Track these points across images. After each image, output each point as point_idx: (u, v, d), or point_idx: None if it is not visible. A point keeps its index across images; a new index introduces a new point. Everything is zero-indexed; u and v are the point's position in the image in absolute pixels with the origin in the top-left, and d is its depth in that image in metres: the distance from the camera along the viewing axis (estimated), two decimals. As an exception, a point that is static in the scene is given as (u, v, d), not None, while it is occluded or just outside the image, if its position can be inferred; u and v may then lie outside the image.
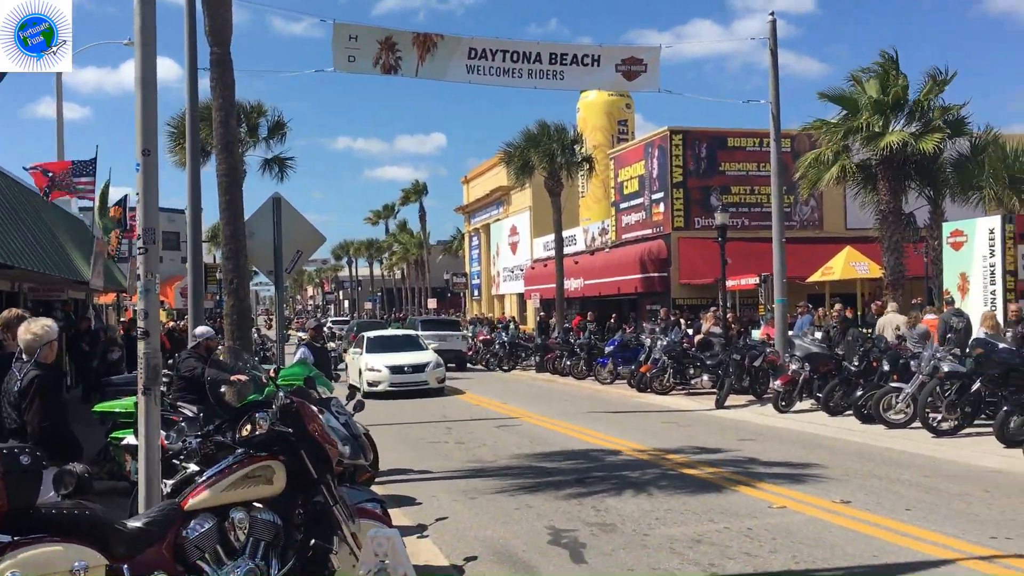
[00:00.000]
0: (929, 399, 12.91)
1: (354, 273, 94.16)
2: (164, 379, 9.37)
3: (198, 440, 5.79)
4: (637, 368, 21.00)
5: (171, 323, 25.09)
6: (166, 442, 6.66)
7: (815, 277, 26.99)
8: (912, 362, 13.94)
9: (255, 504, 5.06)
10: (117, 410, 9.83)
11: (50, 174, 19.04)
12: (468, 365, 31.15)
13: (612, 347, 23.58)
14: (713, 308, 23.72)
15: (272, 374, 9.70)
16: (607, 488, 10.09)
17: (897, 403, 13.65)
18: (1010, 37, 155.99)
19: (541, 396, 21.44)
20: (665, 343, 20.46)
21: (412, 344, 23.84)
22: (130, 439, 8.69)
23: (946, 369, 12.89)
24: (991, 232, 17.12)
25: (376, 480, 9.66)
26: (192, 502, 4.92)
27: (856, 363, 15.39)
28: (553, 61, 16.35)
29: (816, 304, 24.06)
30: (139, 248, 6.10)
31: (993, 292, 16.90)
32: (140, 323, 6.03)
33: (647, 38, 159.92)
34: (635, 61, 17.11)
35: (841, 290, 27.13)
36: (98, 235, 20.41)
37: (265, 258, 13.00)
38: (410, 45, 15.43)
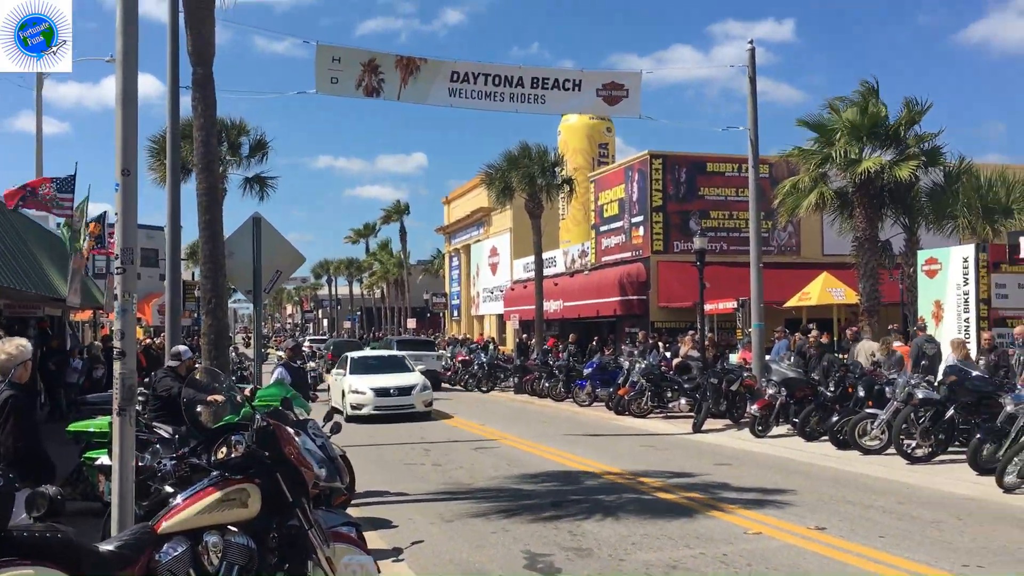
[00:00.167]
0: (904, 425, 13.02)
1: (334, 292, 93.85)
2: (139, 398, 9.30)
3: (173, 462, 5.75)
4: (615, 391, 21.04)
5: (148, 340, 24.87)
6: (140, 464, 6.61)
7: (792, 302, 27.20)
8: (887, 388, 14.07)
9: (229, 527, 5.03)
10: (91, 429, 9.75)
11: (24, 188, 18.93)
12: (446, 386, 31.04)
13: (591, 369, 23.61)
14: (691, 332, 23.85)
15: (249, 393, 9.65)
16: (584, 512, 10.09)
17: (872, 429, 13.75)
18: (984, 68, 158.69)
19: (519, 418, 21.41)
20: (643, 366, 20.54)
21: (398, 365, 22.98)
22: (104, 459, 8.62)
23: (920, 396, 13.01)
24: (965, 261, 17.35)
25: (352, 502, 9.60)
26: (166, 525, 4.88)
27: (832, 389, 15.51)
28: (535, 85, 16.46)
29: (793, 329, 24.22)
30: (117, 268, 6.09)
31: (967, 320, 17.11)
32: (116, 343, 6.01)
33: (628, 62, 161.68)
34: (616, 86, 17.26)
35: (818, 315, 27.35)
36: (77, 247, 20.23)
37: (244, 278, 12.95)
38: (393, 68, 15.49)
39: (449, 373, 32.52)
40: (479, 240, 52.28)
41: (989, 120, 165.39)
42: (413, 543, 8.75)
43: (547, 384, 25.82)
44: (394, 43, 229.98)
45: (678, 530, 9.12)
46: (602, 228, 36.27)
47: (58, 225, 22.76)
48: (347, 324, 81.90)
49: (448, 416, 21.66)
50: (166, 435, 8.57)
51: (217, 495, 5.01)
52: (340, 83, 15.33)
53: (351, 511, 8.44)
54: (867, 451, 13.69)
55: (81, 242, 20.45)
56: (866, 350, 17.05)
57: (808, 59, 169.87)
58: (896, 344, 16.86)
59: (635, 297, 32.35)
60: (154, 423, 9.11)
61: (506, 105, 16.35)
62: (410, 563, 8.01)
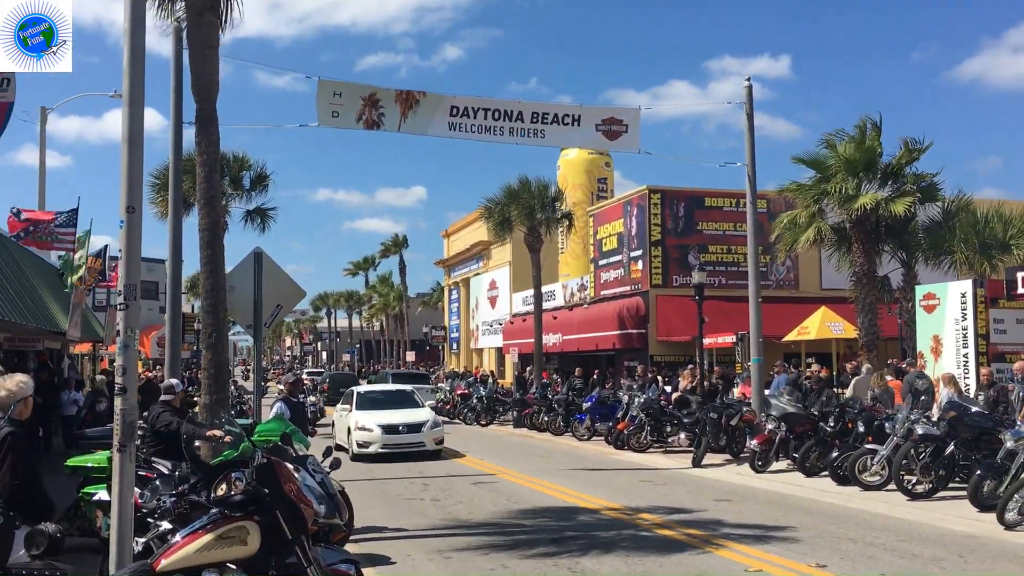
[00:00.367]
0: (904, 461, 13.00)
1: (333, 324, 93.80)
2: (138, 432, 9.30)
3: (172, 499, 5.76)
4: (614, 425, 20.99)
5: (148, 373, 24.78)
6: (139, 500, 6.62)
7: (791, 336, 27.22)
8: (887, 424, 14.05)
9: (229, 565, 5.03)
10: (90, 464, 9.72)
11: (27, 221, 19.02)
12: (443, 419, 30.84)
13: (590, 403, 23.56)
14: (691, 366, 23.82)
15: (250, 426, 9.65)
16: (583, 548, 10.04)
17: (872, 465, 13.72)
18: (979, 104, 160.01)
19: (518, 452, 21.34)
20: (642, 400, 20.50)
21: (407, 400, 21.86)
22: (102, 495, 8.60)
23: (920, 432, 13.00)
24: (963, 296, 17.40)
25: (351, 538, 9.57)
26: (165, 563, 4.89)
27: (832, 424, 15.50)
28: (535, 120, 16.58)
29: (793, 365, 24.22)
30: (120, 304, 6.13)
31: (966, 355, 17.12)
32: (118, 379, 6.04)
33: (625, 97, 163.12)
34: (616, 121, 17.39)
35: (816, 349, 27.37)
36: (74, 278, 20.25)
37: (245, 312, 12.99)
38: (393, 102, 15.63)
39: (448, 407, 32.45)
40: (478, 273, 52.39)
41: (984, 155, 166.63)
42: (412, 580, 8.70)
43: (546, 418, 25.76)
44: (394, 78, 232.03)
45: (678, 567, 9.08)
46: (601, 262, 36.38)
47: (59, 257, 22.84)
48: (346, 357, 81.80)
49: (446, 449, 21.58)
50: (165, 471, 8.56)
51: (217, 532, 5.02)
52: (341, 116, 15.46)
53: (349, 547, 8.42)
54: (867, 487, 13.64)
55: (76, 276, 20.50)
56: (865, 384, 17.09)
57: (804, 95, 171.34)
58: (888, 379, 16.93)
59: (634, 331, 32.38)
60: (153, 459, 9.09)
61: (506, 139, 16.48)
62: (409, 600, 7.97)
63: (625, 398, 21.70)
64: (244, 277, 12.93)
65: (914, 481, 12.97)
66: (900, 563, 9.21)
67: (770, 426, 16.41)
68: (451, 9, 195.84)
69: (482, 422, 29.59)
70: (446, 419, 30.96)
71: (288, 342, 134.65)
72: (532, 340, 33.02)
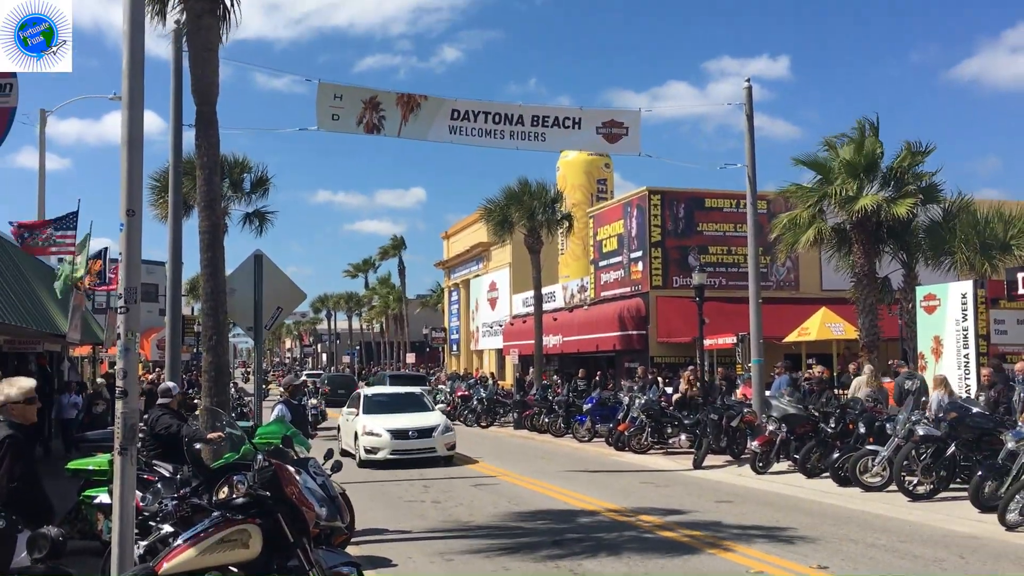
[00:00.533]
0: (905, 462, 12.99)
1: (333, 326, 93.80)
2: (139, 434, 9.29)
3: (174, 502, 5.76)
4: (615, 426, 20.99)
5: (150, 376, 24.73)
6: (141, 503, 6.61)
7: (791, 337, 27.21)
8: (888, 425, 14.05)
9: (231, 568, 5.03)
10: (91, 467, 9.72)
11: (23, 227, 19.03)
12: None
13: (590, 405, 23.55)
14: (691, 367, 23.83)
15: (251, 428, 9.64)
16: (584, 550, 10.04)
17: (873, 466, 13.72)
18: (977, 104, 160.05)
19: (519, 454, 21.34)
20: (643, 401, 20.49)
21: (417, 404, 20.89)
22: (103, 498, 8.60)
23: (921, 433, 12.99)
24: (963, 297, 17.39)
25: (352, 540, 9.56)
26: (167, 566, 4.88)
27: (833, 425, 15.50)
28: (535, 123, 16.59)
29: (795, 366, 24.23)
30: (121, 307, 6.13)
31: (966, 356, 17.11)
32: (119, 382, 6.03)
33: (624, 98, 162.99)
34: (616, 124, 17.39)
35: (817, 350, 27.35)
36: (76, 275, 20.20)
37: (245, 314, 12.99)
38: (394, 105, 15.62)
39: (449, 408, 32.43)
40: (478, 275, 52.39)
41: (983, 156, 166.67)
42: (413, 582, 8.70)
43: (547, 419, 25.75)
44: (392, 80, 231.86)
45: (679, 568, 9.08)
46: (601, 263, 36.37)
47: (60, 260, 22.81)
48: (346, 358, 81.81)
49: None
50: (167, 474, 8.55)
51: (219, 536, 5.02)
52: (341, 120, 15.45)
53: (350, 549, 8.41)
54: (868, 488, 13.64)
55: (76, 275, 20.44)
56: (863, 385, 17.13)
57: (803, 95, 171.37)
58: (884, 380, 16.99)
59: (634, 332, 32.37)
60: (154, 462, 9.09)
61: (506, 142, 16.47)
62: (410, 603, 7.96)
63: (626, 399, 21.69)
64: (244, 279, 12.93)
65: (915, 482, 12.97)
66: (901, 564, 9.20)
67: (771, 427, 16.41)
68: (449, 10, 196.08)
69: (482, 424, 29.59)
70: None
71: (288, 344, 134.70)
72: (532, 342, 33.02)
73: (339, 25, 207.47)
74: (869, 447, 14.07)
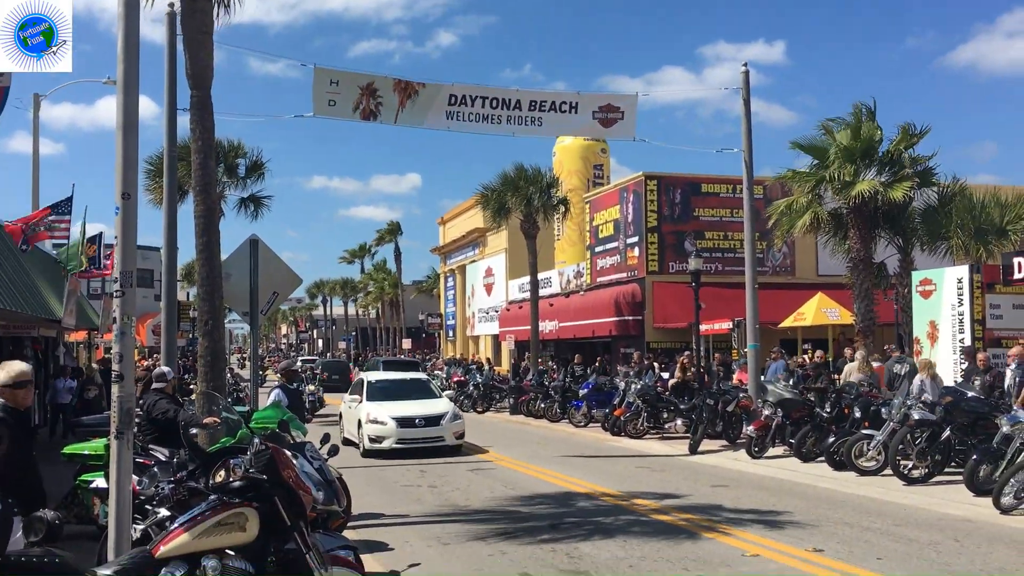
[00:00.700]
0: (900, 446, 13.03)
1: (329, 312, 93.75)
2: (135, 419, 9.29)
3: (171, 486, 5.75)
4: (611, 411, 21.02)
5: (145, 362, 24.71)
6: (138, 487, 6.61)
7: (787, 323, 27.25)
8: (883, 409, 14.09)
9: (228, 551, 5.03)
10: (86, 452, 9.73)
11: (22, 225, 19.01)
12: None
13: (586, 390, 23.59)
14: (687, 352, 23.85)
15: (247, 413, 9.65)
16: (581, 534, 10.07)
17: (869, 450, 13.76)
18: (973, 89, 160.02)
19: (515, 439, 21.37)
20: (639, 387, 20.52)
21: (423, 390, 20.00)
22: (99, 482, 8.61)
23: (916, 417, 13.03)
24: (959, 281, 17.42)
25: (348, 524, 9.58)
26: (164, 549, 4.88)
27: (828, 409, 15.54)
28: (532, 108, 16.53)
29: (790, 351, 24.26)
30: (116, 291, 6.11)
31: (962, 340, 17.15)
32: (115, 366, 6.02)
33: (619, 84, 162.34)
34: (612, 108, 17.35)
35: (813, 336, 27.39)
36: (72, 268, 20.21)
37: (241, 300, 12.96)
38: (391, 91, 15.54)
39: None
40: (474, 260, 52.35)
41: (980, 141, 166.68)
42: (410, 566, 8.72)
43: (543, 405, 25.78)
44: (387, 64, 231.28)
45: (675, 552, 9.11)
46: (597, 249, 36.36)
47: (55, 247, 22.77)
48: (342, 344, 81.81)
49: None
50: (163, 458, 8.55)
51: (215, 519, 5.02)
52: (338, 106, 15.36)
53: (347, 533, 8.43)
54: (863, 472, 13.69)
55: (76, 261, 20.44)
56: (855, 370, 17.22)
57: (799, 80, 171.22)
58: (875, 364, 17.07)
59: (630, 317, 32.39)
60: (150, 446, 9.09)
61: (503, 128, 16.41)
62: (407, 586, 7.98)
63: (622, 385, 21.73)
64: (240, 264, 12.90)
65: (910, 466, 13.01)
66: (896, 547, 9.25)
67: (766, 412, 16.44)
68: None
69: (478, 409, 29.62)
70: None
71: (284, 330, 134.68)
72: (528, 327, 33.05)
73: (334, 9, 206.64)
74: (864, 431, 14.11)
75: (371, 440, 17.83)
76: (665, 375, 23.07)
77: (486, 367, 34.56)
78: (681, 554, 9.04)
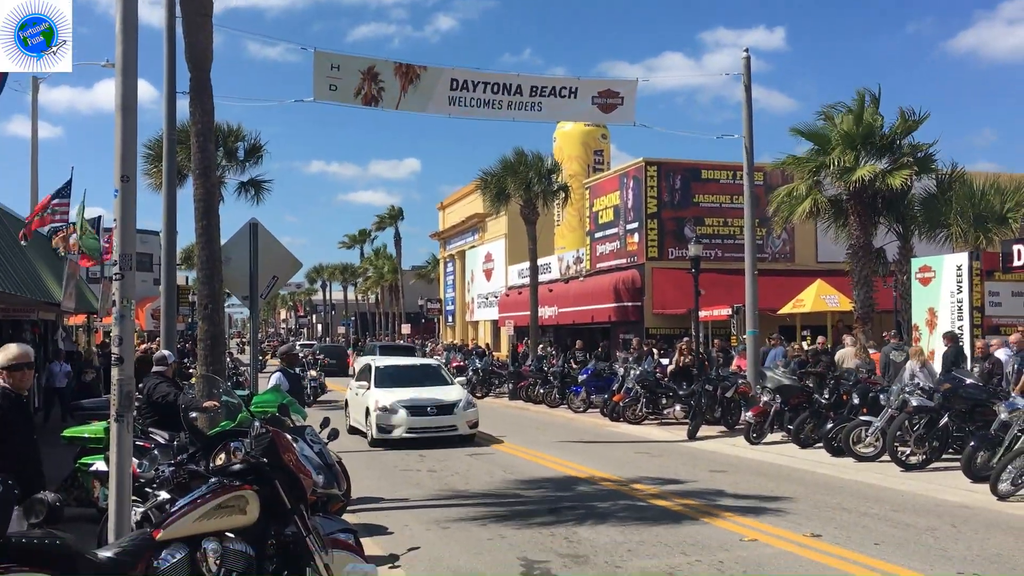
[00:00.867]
0: (898, 433, 13.06)
1: (328, 297, 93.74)
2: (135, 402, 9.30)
3: (171, 469, 5.76)
4: (610, 397, 21.05)
5: (144, 345, 24.70)
6: (138, 470, 6.62)
7: (786, 309, 27.26)
8: (881, 396, 14.12)
9: (228, 534, 5.04)
10: (86, 435, 9.74)
11: (39, 214, 19.03)
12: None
13: (585, 376, 23.63)
14: (686, 338, 23.87)
15: (247, 397, 9.65)
16: (579, 518, 10.10)
17: (867, 436, 13.79)
18: (974, 76, 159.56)
19: (514, 424, 21.40)
20: (638, 373, 20.55)
21: (434, 377, 19.06)
22: (99, 465, 8.62)
23: (914, 403, 13.06)
24: (959, 268, 17.42)
25: (348, 508, 9.61)
26: (164, 532, 4.89)
27: (826, 396, 15.57)
28: (533, 93, 16.49)
29: (788, 337, 24.27)
30: (116, 274, 6.10)
31: (960, 328, 17.15)
32: (115, 349, 6.02)
33: (619, 70, 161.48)
34: (612, 94, 17.32)
35: (812, 322, 27.41)
36: (73, 257, 20.21)
37: (241, 284, 12.95)
38: (393, 75, 15.48)
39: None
40: (474, 246, 52.30)
41: (979, 128, 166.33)
42: (409, 550, 8.75)
43: (542, 390, 25.82)
44: (387, 48, 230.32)
45: (673, 537, 9.14)
46: (597, 235, 36.32)
47: (54, 232, 22.70)
48: (341, 329, 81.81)
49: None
50: (163, 441, 8.57)
51: (216, 502, 5.03)
52: (339, 91, 15.30)
53: (347, 517, 8.45)
54: (861, 458, 13.72)
55: (95, 254, 20.45)
56: (849, 356, 17.26)
57: (799, 67, 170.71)
58: (871, 352, 17.11)
59: (630, 304, 32.39)
60: (151, 429, 9.10)
61: (504, 113, 16.38)
62: (406, 570, 8.02)
63: (620, 370, 21.76)
64: (239, 248, 12.88)
65: (908, 452, 13.05)
66: (893, 532, 9.28)
67: (765, 398, 16.47)
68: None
69: (478, 395, 29.57)
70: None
71: (283, 315, 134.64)
72: (528, 313, 33.07)
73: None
74: (862, 418, 14.14)
75: (380, 429, 16.95)
76: (664, 361, 23.09)
77: (485, 353, 34.60)
78: (679, 538, 9.07)
